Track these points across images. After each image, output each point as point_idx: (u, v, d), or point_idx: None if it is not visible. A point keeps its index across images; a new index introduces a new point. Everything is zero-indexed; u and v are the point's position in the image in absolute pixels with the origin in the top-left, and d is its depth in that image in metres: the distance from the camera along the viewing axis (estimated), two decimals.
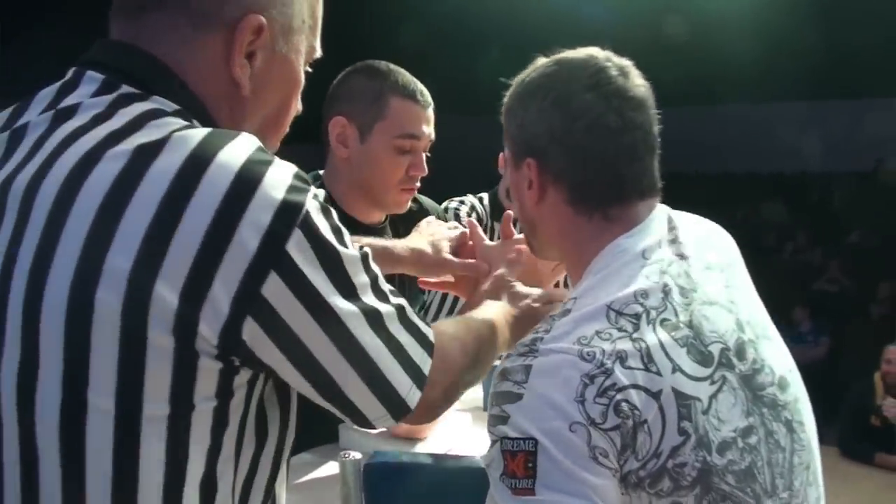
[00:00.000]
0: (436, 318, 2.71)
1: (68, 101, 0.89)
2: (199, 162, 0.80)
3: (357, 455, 1.32)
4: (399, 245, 1.52)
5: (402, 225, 1.84)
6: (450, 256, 1.52)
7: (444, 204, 2.48)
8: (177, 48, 0.92)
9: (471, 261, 1.52)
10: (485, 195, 2.79)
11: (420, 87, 1.76)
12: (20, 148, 0.87)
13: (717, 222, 1.21)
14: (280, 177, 0.83)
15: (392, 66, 1.77)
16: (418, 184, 1.80)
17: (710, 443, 0.97)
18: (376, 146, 1.74)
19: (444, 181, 2.29)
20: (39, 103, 0.91)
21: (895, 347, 5.45)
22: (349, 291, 0.87)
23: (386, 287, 0.94)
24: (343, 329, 0.87)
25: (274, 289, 0.81)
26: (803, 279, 8.54)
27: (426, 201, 2.04)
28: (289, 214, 0.81)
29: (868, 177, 10.26)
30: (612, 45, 1.17)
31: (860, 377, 5.65)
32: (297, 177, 0.84)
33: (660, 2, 8.35)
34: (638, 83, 1.11)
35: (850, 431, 5.25)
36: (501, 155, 2.75)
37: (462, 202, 2.62)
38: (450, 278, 1.56)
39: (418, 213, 1.90)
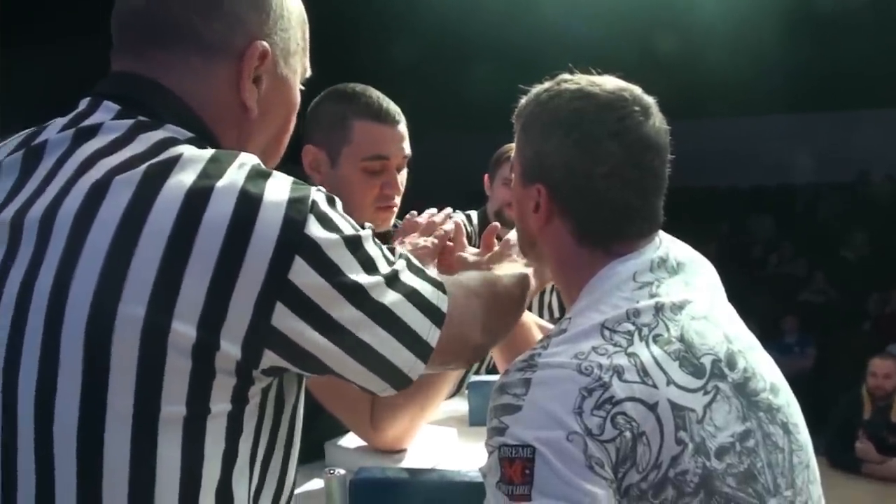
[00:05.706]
0: None
1: (89, 121, 0.92)
2: (205, 186, 0.84)
3: (342, 471, 1.32)
4: None
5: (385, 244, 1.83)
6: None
7: None
8: (187, 78, 0.96)
9: None
10: (473, 213, 2.78)
11: (387, 105, 1.72)
12: (39, 168, 0.90)
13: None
14: (281, 182, 0.88)
15: (360, 87, 1.74)
16: (396, 200, 1.78)
17: (708, 449, 0.99)
18: (346, 171, 1.73)
19: (430, 198, 2.29)
20: (56, 126, 0.94)
21: (880, 360, 5.46)
22: (369, 265, 0.92)
23: (388, 251, 0.98)
24: (368, 298, 0.91)
25: (300, 272, 0.84)
26: (789, 290, 8.57)
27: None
28: (300, 205, 0.86)
29: (852, 188, 10.32)
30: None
31: (847, 387, 5.67)
32: (295, 180, 0.90)
33: (647, 18, 8.41)
34: (658, 126, 1.13)
35: (838, 443, 5.26)
36: (486, 176, 2.75)
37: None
38: None
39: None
